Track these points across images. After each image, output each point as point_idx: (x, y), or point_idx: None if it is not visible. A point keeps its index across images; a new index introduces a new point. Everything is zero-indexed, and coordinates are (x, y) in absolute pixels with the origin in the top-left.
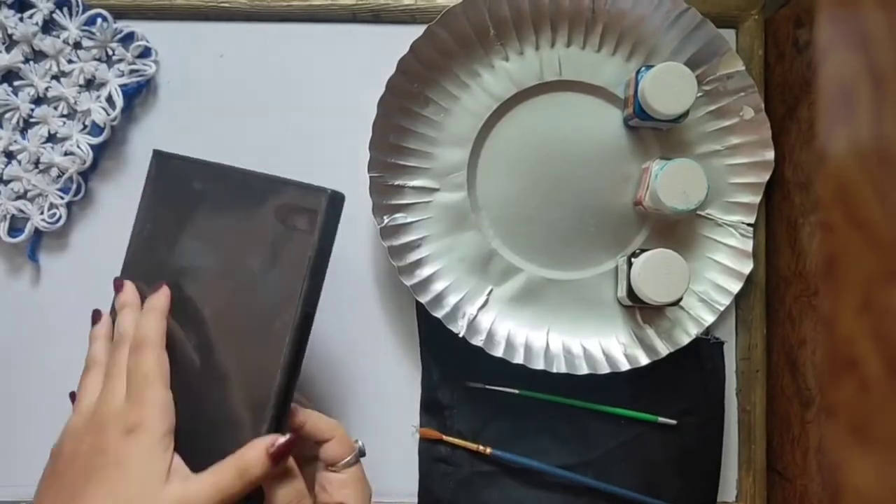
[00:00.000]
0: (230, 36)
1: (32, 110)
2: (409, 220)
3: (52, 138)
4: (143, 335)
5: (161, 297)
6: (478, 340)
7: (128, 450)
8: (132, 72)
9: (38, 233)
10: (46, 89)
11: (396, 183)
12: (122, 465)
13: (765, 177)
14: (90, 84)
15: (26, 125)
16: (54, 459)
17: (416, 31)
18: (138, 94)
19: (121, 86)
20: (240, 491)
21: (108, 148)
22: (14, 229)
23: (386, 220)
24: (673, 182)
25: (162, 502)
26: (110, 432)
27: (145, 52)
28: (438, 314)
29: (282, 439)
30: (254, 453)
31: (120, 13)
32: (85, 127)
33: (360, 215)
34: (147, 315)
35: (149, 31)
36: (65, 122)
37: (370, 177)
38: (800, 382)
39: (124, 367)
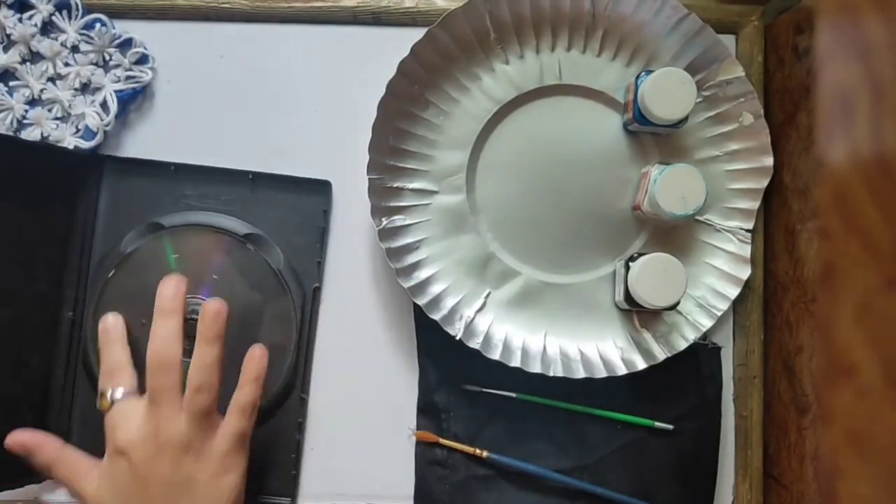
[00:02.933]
0: (230, 37)
1: (26, 111)
2: (407, 222)
3: (44, 141)
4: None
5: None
6: (475, 343)
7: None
8: (128, 78)
9: None
10: (42, 91)
11: (395, 185)
12: None
13: (763, 183)
14: (86, 88)
15: (20, 126)
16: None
17: (417, 33)
18: (133, 100)
19: (116, 91)
20: None
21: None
22: None
23: (384, 222)
24: (672, 187)
25: None
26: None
27: (143, 59)
28: (436, 316)
29: None
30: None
31: (120, 13)
32: (78, 130)
33: (358, 217)
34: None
35: (149, 32)
36: (58, 126)
37: (369, 178)
38: (797, 389)
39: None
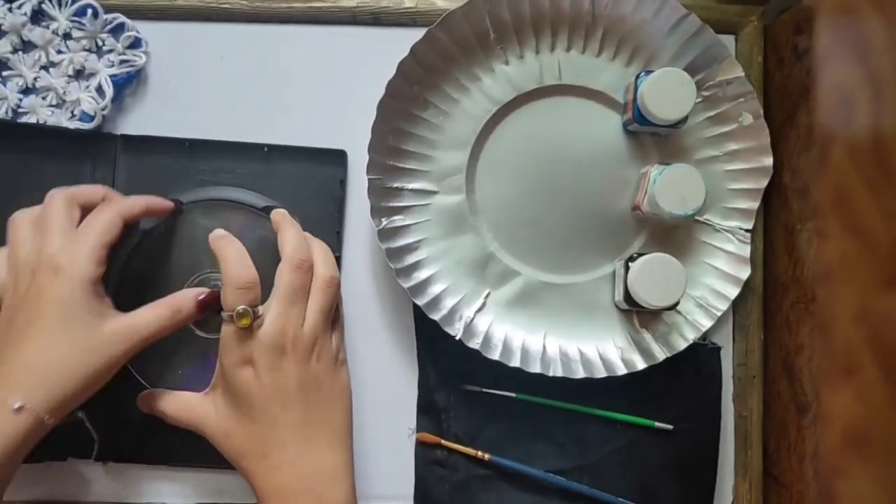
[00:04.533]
0: (230, 37)
1: (21, 100)
2: (407, 222)
3: (53, 125)
4: (112, 201)
5: (151, 200)
6: (475, 343)
7: (57, 291)
8: (122, 62)
9: None
10: (35, 79)
11: (395, 185)
12: (52, 304)
13: (763, 183)
14: (79, 74)
15: (15, 115)
16: None
17: (416, 33)
18: (129, 84)
19: (111, 76)
20: (169, 328)
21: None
22: None
23: (384, 223)
24: (671, 187)
25: (104, 334)
26: (42, 273)
27: (136, 43)
28: (435, 317)
29: (207, 291)
30: (185, 296)
31: (120, 12)
32: (74, 116)
33: (358, 217)
34: (129, 198)
35: (149, 32)
36: (53, 112)
37: (369, 179)
38: (796, 388)
39: (76, 221)
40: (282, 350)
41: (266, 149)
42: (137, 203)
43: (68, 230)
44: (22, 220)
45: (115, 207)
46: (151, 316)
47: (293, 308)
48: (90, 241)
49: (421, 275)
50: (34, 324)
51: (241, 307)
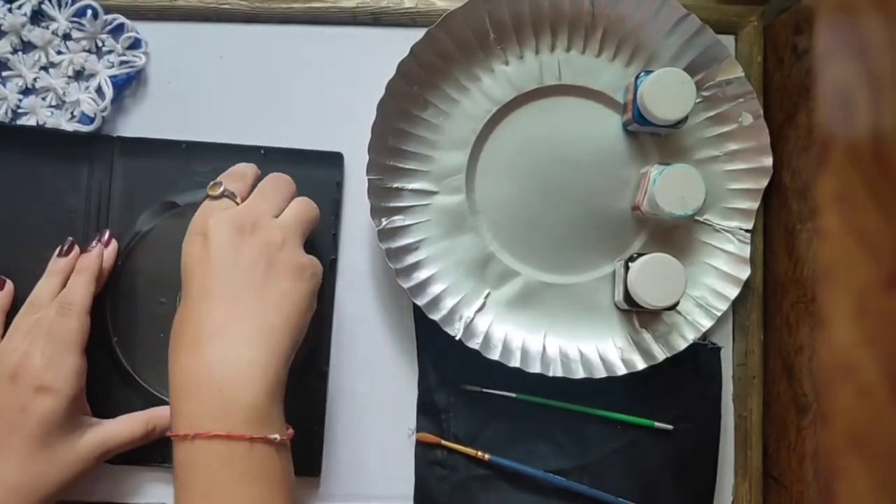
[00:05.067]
0: (230, 37)
1: (20, 101)
2: (407, 222)
3: (49, 127)
4: (71, 299)
5: (92, 258)
6: (474, 343)
7: (42, 409)
8: (122, 63)
9: None
10: (35, 80)
11: (395, 185)
12: (37, 421)
13: (763, 183)
14: (79, 75)
15: (15, 116)
16: None
17: (416, 34)
18: (128, 85)
19: (110, 77)
20: (141, 442)
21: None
22: None
23: (384, 223)
24: (671, 187)
25: (81, 444)
26: (26, 390)
27: (135, 44)
28: (435, 317)
29: None
30: (163, 414)
31: (120, 13)
32: (73, 117)
33: (358, 217)
34: (77, 277)
35: (149, 32)
36: (52, 113)
37: (369, 179)
38: (796, 389)
39: (49, 326)
40: (241, 229)
41: (262, 151)
42: (105, 267)
43: (52, 351)
44: (19, 326)
45: (86, 289)
46: (126, 430)
47: (266, 203)
48: (73, 360)
49: (421, 275)
50: (14, 434)
51: (217, 181)
